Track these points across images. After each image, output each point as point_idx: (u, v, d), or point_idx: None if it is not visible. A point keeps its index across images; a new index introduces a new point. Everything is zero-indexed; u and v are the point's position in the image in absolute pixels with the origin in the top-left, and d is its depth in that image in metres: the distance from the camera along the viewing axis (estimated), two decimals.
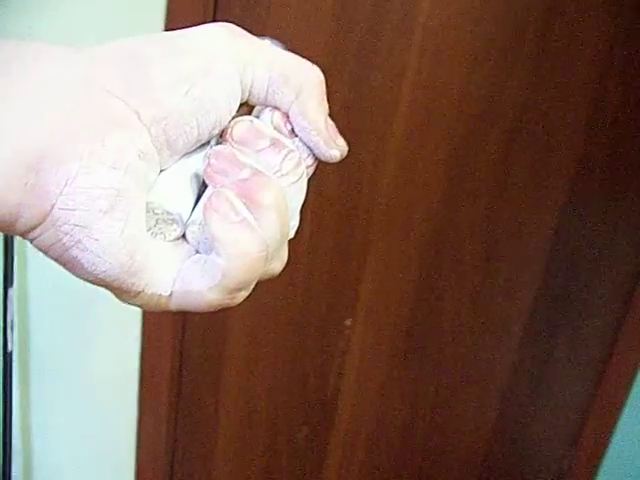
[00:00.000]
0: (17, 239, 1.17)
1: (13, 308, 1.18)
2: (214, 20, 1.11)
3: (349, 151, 0.32)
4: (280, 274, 0.30)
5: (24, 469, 1.39)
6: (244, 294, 0.28)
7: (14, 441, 1.29)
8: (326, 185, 1.24)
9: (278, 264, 0.28)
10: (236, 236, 0.25)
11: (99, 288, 0.26)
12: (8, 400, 1.24)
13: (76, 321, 1.29)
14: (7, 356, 1.21)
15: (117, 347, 1.33)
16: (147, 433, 1.39)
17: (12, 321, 1.19)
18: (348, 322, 1.38)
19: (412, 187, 1.28)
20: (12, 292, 1.18)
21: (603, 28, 1.21)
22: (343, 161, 0.34)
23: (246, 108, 0.30)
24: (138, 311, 1.27)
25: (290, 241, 0.30)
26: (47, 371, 1.32)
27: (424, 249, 1.34)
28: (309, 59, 0.30)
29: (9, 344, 1.20)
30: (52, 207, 0.23)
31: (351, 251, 1.33)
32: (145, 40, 0.26)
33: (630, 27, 1.22)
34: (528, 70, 1.23)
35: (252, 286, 0.27)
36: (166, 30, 1.08)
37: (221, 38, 0.27)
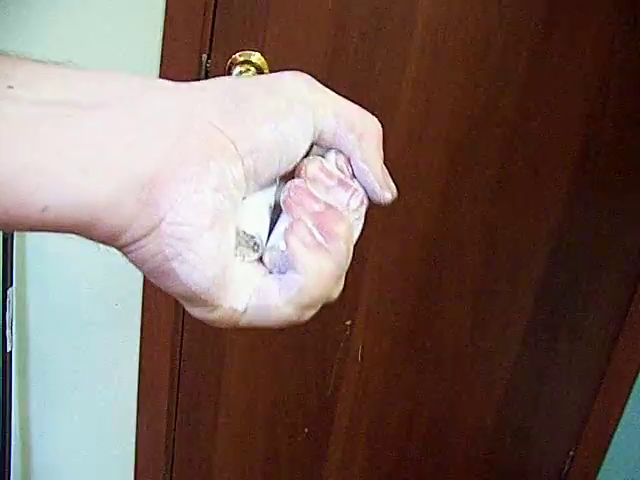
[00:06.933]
0: (16, 239, 1.17)
1: (12, 308, 1.18)
2: (213, 23, 1.11)
3: None
4: None
5: (23, 469, 1.39)
6: (311, 312, 0.31)
7: (14, 441, 1.29)
8: None
9: (337, 291, 0.31)
10: (314, 257, 0.29)
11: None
12: (8, 400, 1.24)
13: (76, 321, 1.29)
14: (7, 356, 1.21)
15: (117, 347, 1.32)
16: (147, 434, 1.39)
17: (12, 321, 1.19)
18: (348, 322, 1.38)
19: (412, 187, 1.28)
20: (11, 292, 1.18)
21: (604, 28, 1.21)
22: None
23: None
24: (138, 311, 1.27)
25: None
26: (47, 371, 1.32)
27: (424, 249, 1.34)
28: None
29: (9, 344, 1.20)
30: (161, 221, 0.26)
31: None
32: (239, 81, 0.30)
33: (630, 29, 1.22)
34: (528, 70, 1.23)
35: (319, 306, 0.30)
36: (163, 34, 1.09)
37: (301, 87, 0.30)
